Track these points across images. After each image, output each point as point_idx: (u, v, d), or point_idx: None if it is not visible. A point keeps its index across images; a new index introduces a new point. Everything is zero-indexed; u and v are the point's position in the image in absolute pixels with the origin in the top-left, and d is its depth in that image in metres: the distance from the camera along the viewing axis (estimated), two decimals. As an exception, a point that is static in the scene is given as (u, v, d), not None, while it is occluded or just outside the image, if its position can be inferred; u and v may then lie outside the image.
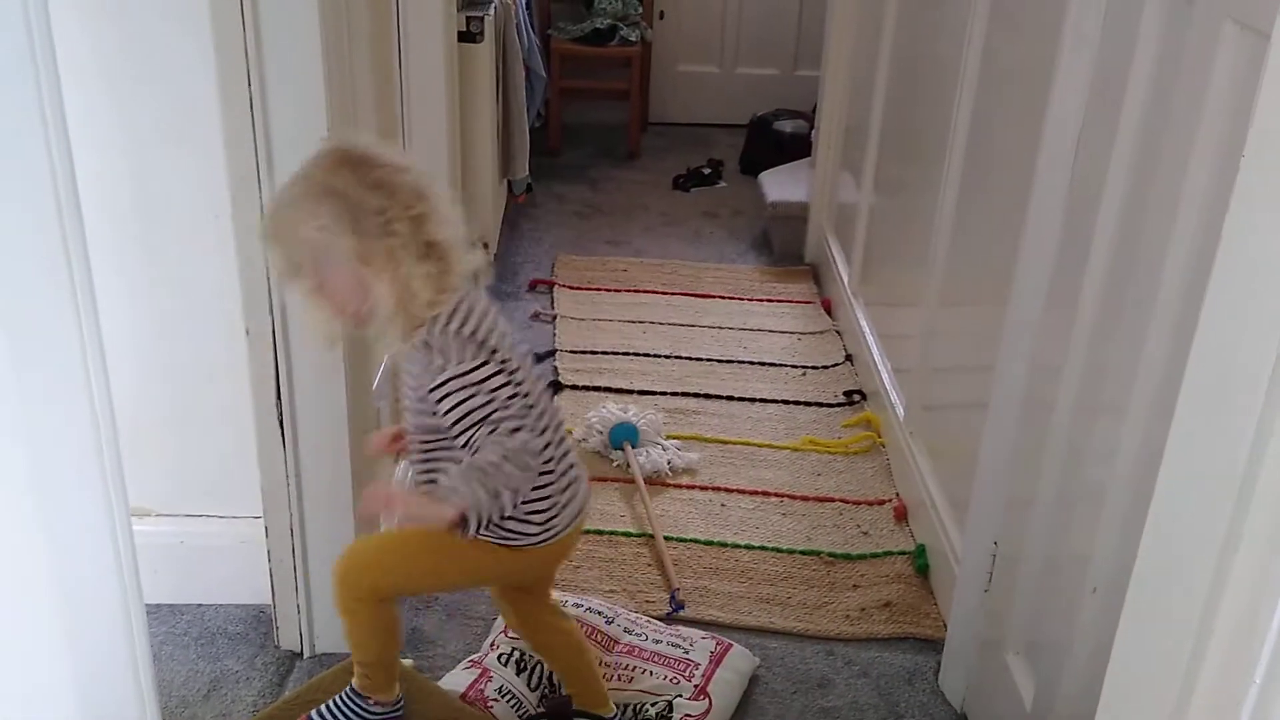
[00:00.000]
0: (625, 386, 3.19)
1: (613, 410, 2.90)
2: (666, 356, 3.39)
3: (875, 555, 2.53)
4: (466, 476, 1.55)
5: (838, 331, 3.59)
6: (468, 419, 1.56)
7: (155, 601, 2.17)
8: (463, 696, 2.00)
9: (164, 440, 2.13)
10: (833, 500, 2.73)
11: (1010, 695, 1.89)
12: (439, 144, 3.10)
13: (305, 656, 2.15)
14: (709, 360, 3.38)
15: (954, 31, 2.47)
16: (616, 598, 2.34)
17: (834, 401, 3.19)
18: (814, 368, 3.38)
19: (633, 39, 5.11)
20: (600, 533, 2.55)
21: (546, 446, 1.64)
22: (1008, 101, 2.18)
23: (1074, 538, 1.73)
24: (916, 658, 2.25)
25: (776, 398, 3.19)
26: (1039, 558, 1.84)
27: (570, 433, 2.91)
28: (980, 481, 2.01)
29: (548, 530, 1.68)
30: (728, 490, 2.75)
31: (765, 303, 3.81)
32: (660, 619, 2.28)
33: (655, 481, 2.74)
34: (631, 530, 2.58)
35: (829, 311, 3.73)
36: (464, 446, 1.58)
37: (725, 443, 2.95)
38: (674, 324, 3.61)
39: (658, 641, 2.16)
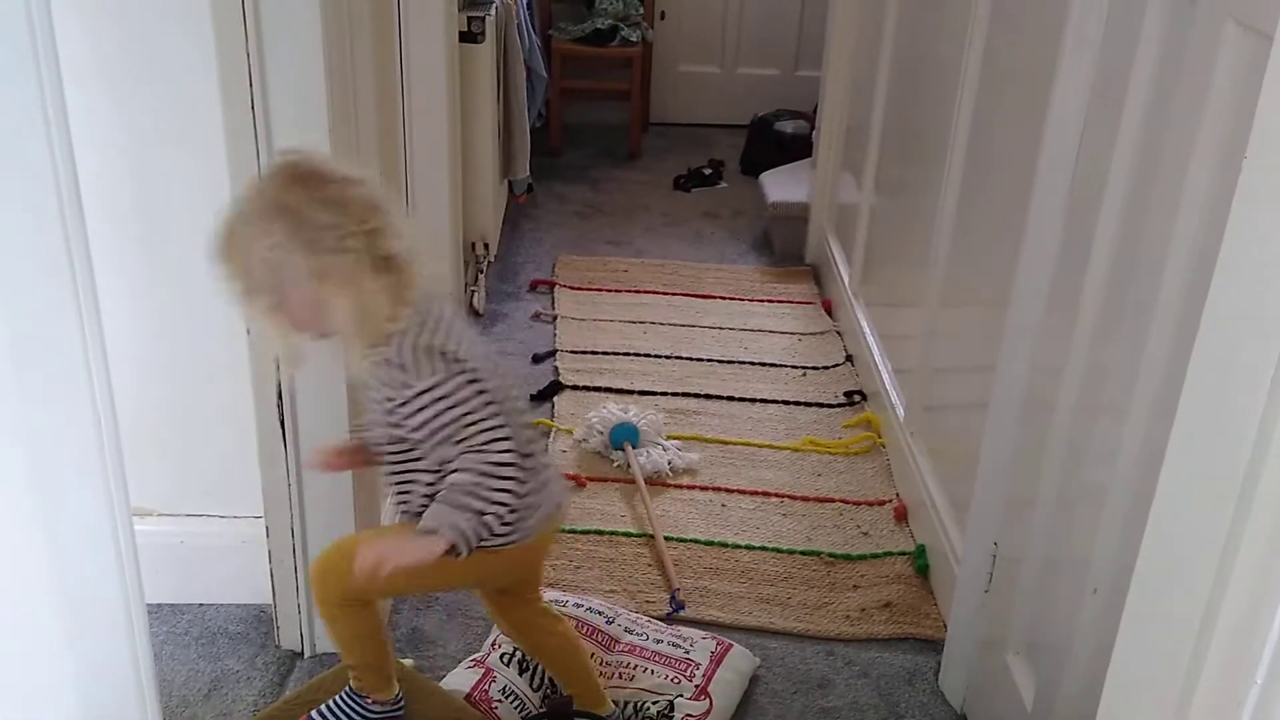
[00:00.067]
0: (626, 387, 3.19)
1: (613, 410, 2.90)
2: (667, 357, 3.39)
3: (875, 556, 2.53)
4: (449, 503, 1.55)
5: (838, 332, 3.59)
6: (441, 432, 1.55)
7: (156, 601, 2.17)
8: (467, 697, 2.00)
9: (164, 440, 2.13)
10: (833, 501, 2.73)
11: (1010, 696, 1.89)
12: (440, 144, 3.10)
13: (306, 656, 2.15)
14: (709, 361, 3.39)
15: (955, 32, 2.47)
16: (617, 598, 2.34)
17: (834, 402, 3.19)
18: (814, 368, 3.38)
19: (634, 39, 5.11)
20: (601, 533, 2.55)
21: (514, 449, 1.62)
22: (1009, 102, 2.18)
23: (1074, 538, 1.73)
24: (916, 658, 2.25)
25: (777, 398, 3.19)
26: (1039, 558, 1.84)
27: (570, 433, 2.93)
28: (981, 482, 2.01)
29: (518, 530, 1.66)
30: (728, 490, 2.75)
31: (766, 303, 3.81)
32: (661, 619, 2.28)
33: (656, 482, 2.74)
34: (632, 530, 2.58)
35: (829, 312, 3.73)
36: (438, 457, 1.57)
37: (726, 443, 2.95)
38: (675, 324, 3.61)
39: (658, 641, 2.16)
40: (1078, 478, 1.73)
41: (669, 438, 2.90)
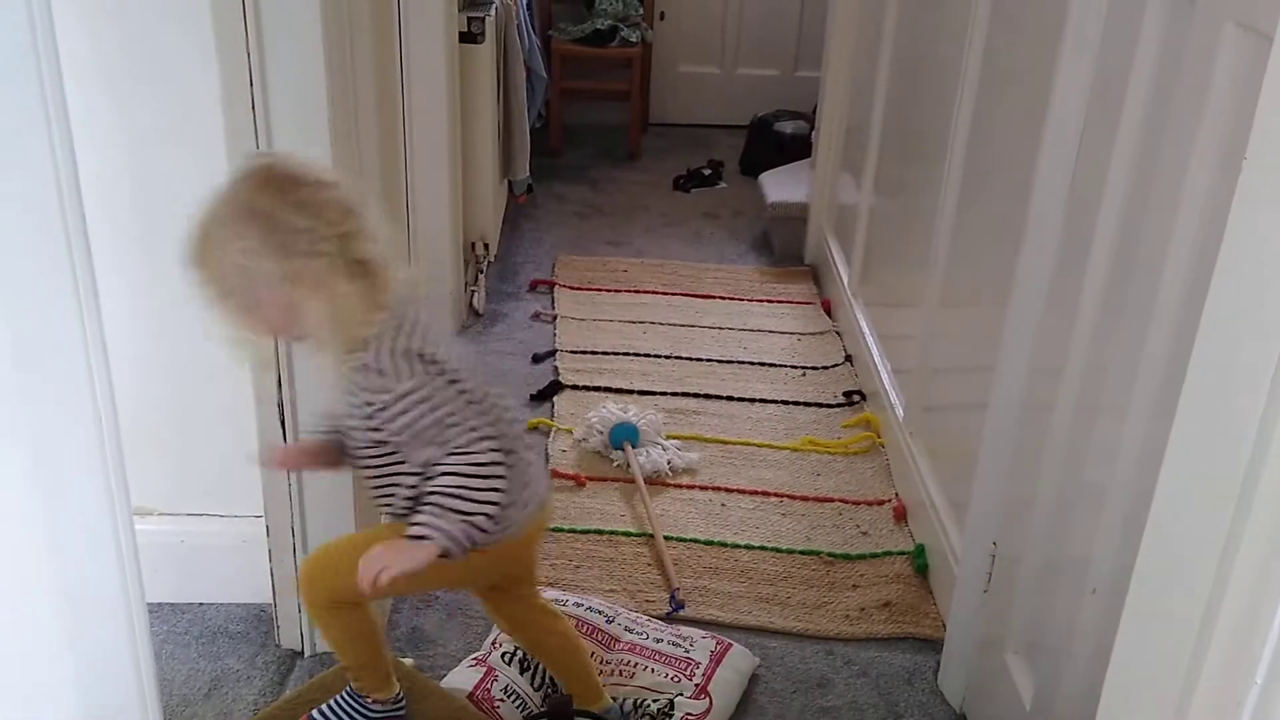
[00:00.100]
0: (625, 386, 3.19)
1: (613, 410, 2.90)
2: (667, 357, 3.39)
3: (875, 555, 2.53)
4: (437, 508, 1.54)
5: (837, 332, 3.59)
6: (424, 435, 1.55)
7: (156, 600, 2.18)
8: (470, 696, 2.00)
9: (165, 440, 2.13)
10: (832, 500, 2.73)
11: (1010, 695, 1.89)
12: (440, 144, 3.10)
13: (306, 655, 2.15)
14: (709, 360, 3.39)
15: (955, 32, 2.47)
16: (617, 597, 2.34)
17: (834, 402, 3.19)
18: (814, 368, 3.38)
19: (633, 40, 5.11)
20: (600, 532, 2.55)
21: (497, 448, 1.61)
22: (1008, 102, 2.18)
23: (1074, 538, 1.73)
24: (916, 658, 2.25)
25: (776, 398, 3.19)
26: (1038, 558, 1.84)
27: (570, 432, 2.93)
28: (980, 482, 2.01)
29: (501, 526, 1.64)
30: (728, 490, 2.75)
31: (765, 303, 3.81)
32: (660, 618, 2.29)
33: (655, 481, 2.75)
34: (632, 530, 2.58)
35: (829, 312, 3.73)
36: (422, 459, 1.57)
37: (725, 443, 2.95)
38: (674, 324, 3.61)
39: (658, 640, 2.16)
40: (1077, 478, 1.73)
41: (669, 437, 2.90)
